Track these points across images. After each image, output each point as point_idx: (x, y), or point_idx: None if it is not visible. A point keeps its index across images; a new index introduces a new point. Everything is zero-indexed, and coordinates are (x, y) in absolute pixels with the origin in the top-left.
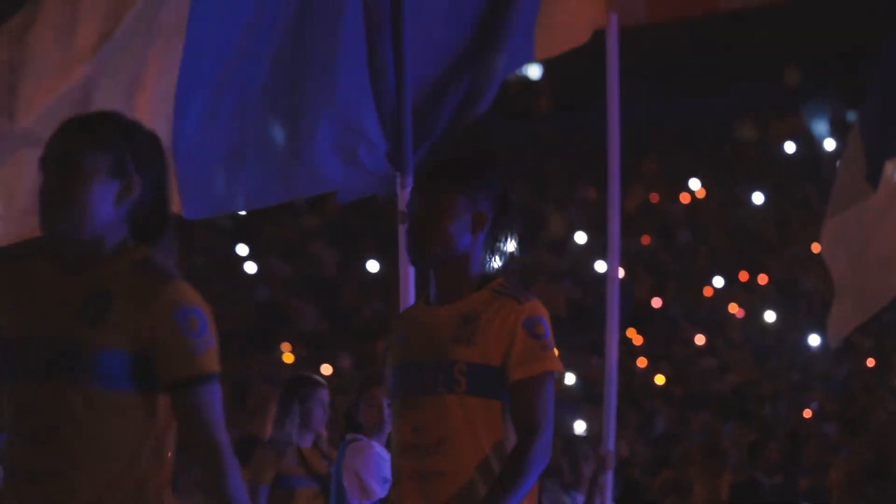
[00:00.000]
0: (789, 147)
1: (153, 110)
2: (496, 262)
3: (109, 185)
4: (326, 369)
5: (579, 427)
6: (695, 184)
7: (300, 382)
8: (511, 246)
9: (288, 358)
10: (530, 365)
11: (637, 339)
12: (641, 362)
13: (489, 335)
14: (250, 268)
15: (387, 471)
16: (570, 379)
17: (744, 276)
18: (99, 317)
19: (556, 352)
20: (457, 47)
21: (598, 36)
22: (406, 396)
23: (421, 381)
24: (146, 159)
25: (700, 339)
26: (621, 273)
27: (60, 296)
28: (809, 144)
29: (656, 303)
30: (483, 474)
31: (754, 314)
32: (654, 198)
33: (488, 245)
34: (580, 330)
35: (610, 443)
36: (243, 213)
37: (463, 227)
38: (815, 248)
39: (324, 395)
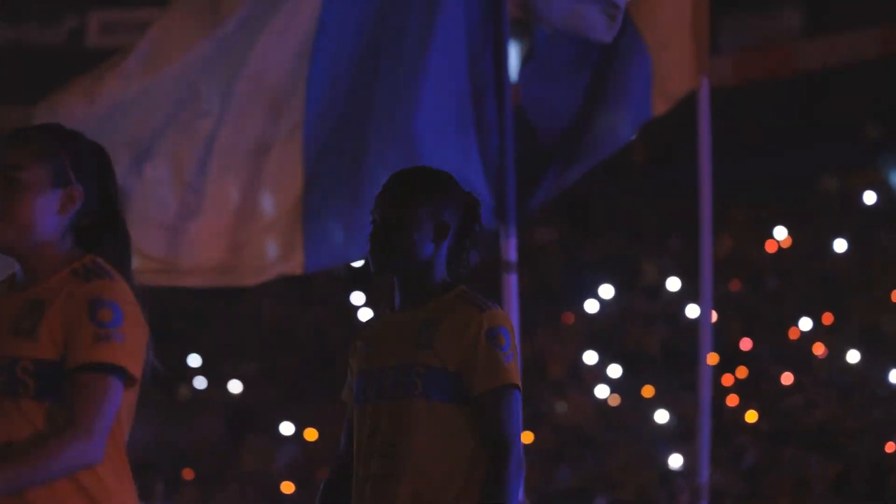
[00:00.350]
0: (869, 197)
1: (280, 168)
2: (460, 270)
3: (51, 196)
4: None
5: (675, 461)
6: (780, 232)
7: None
8: (473, 255)
9: None
10: (493, 377)
11: (727, 379)
12: (732, 400)
13: (447, 340)
14: (365, 315)
15: None
16: (664, 416)
17: (828, 318)
18: (31, 330)
19: (517, 365)
20: (573, 104)
21: (689, 94)
22: (367, 401)
23: (381, 385)
24: (86, 167)
25: (787, 378)
26: (713, 317)
27: (3, 312)
28: (888, 195)
29: (745, 344)
30: (436, 479)
31: (838, 354)
32: (743, 246)
33: (454, 253)
34: (674, 370)
35: (704, 475)
36: (357, 262)
37: (425, 236)
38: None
39: None
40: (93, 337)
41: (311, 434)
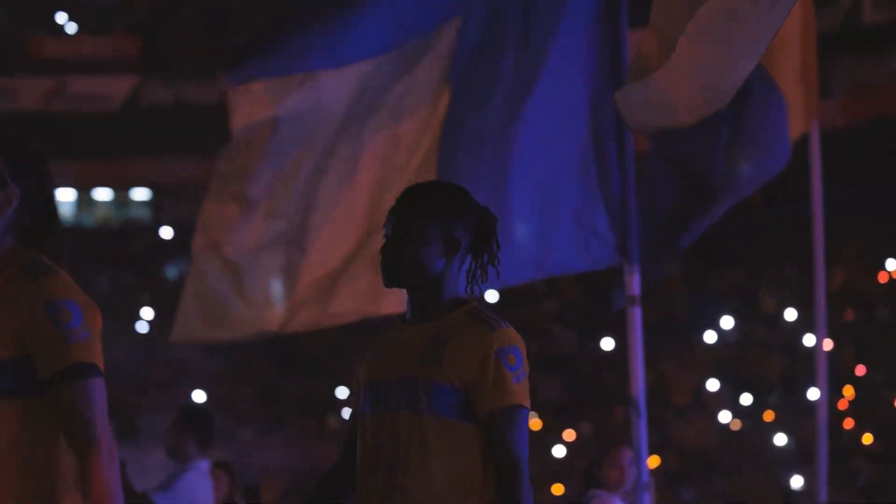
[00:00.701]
0: None
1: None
2: (475, 287)
3: None
4: (569, 434)
5: (796, 482)
6: (892, 264)
7: None
8: (488, 271)
9: (535, 425)
10: (502, 397)
11: (843, 403)
12: (847, 423)
13: (456, 357)
14: None
15: None
16: (783, 440)
17: None
18: None
19: (526, 385)
20: (713, 143)
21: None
22: (372, 414)
23: (386, 398)
24: (21, 168)
25: None
26: (828, 345)
27: None
28: None
29: (860, 370)
30: (442, 495)
31: None
32: (855, 278)
33: (469, 270)
34: (792, 396)
35: (822, 494)
36: (493, 299)
37: (435, 252)
38: None
39: None
40: (61, 342)
41: None
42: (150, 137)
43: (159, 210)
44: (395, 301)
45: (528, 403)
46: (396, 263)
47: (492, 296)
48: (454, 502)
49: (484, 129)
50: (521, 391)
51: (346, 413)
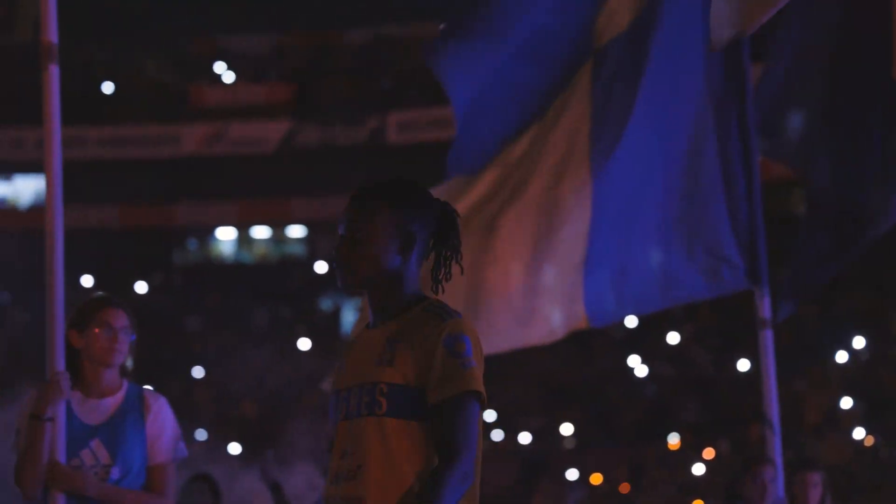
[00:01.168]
0: None
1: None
2: (438, 282)
3: None
4: (708, 453)
5: None
6: None
7: None
8: (452, 266)
9: (675, 445)
10: (449, 385)
11: None
12: None
13: (409, 355)
14: (641, 371)
15: None
16: None
17: None
18: None
19: (479, 372)
20: (862, 168)
21: None
22: (338, 422)
23: (348, 405)
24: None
25: None
26: None
27: None
28: None
29: None
30: (406, 498)
31: None
32: None
33: (437, 267)
34: None
35: None
36: (631, 324)
37: (390, 249)
38: None
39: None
40: None
41: (596, 479)
42: (304, 177)
43: (314, 246)
44: (539, 332)
45: (479, 389)
46: (351, 264)
47: (631, 321)
48: None
49: (621, 163)
50: (470, 377)
51: (496, 435)
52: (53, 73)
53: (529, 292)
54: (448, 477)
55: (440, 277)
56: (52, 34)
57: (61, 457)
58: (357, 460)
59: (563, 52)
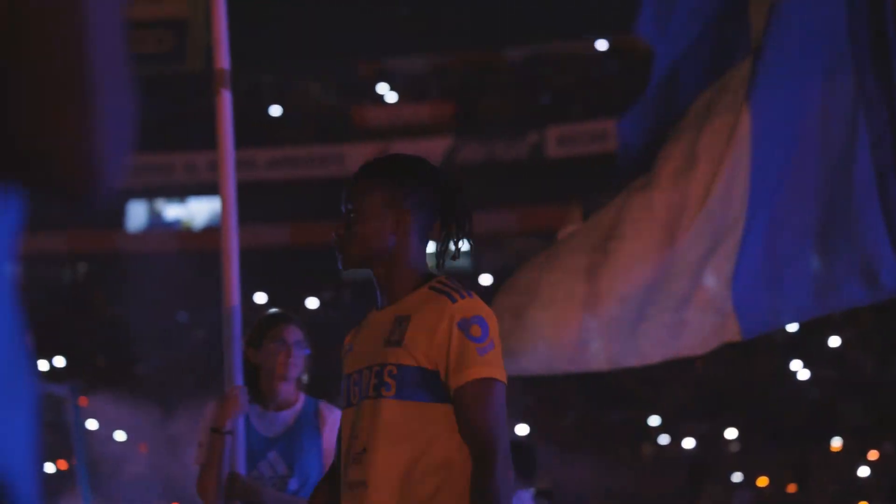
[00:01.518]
0: None
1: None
2: (445, 260)
3: None
4: (873, 454)
5: None
6: None
7: None
8: (463, 244)
9: (838, 447)
10: (467, 371)
11: None
12: None
13: (418, 335)
14: (803, 375)
15: None
16: None
17: None
18: None
19: (497, 355)
20: None
21: None
22: (348, 405)
23: (359, 388)
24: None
25: None
26: None
27: None
28: None
29: None
30: (402, 484)
31: None
32: None
33: (442, 244)
34: None
35: None
36: (792, 328)
37: (384, 228)
38: None
39: None
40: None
41: (762, 481)
42: (467, 192)
43: (478, 259)
44: (691, 344)
45: (499, 375)
46: (344, 245)
47: (792, 326)
48: (431, 486)
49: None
50: (488, 363)
51: (662, 440)
52: (226, 97)
53: (682, 304)
54: (494, 473)
55: (443, 257)
56: (224, 61)
57: (241, 468)
58: (362, 443)
59: (715, 49)
